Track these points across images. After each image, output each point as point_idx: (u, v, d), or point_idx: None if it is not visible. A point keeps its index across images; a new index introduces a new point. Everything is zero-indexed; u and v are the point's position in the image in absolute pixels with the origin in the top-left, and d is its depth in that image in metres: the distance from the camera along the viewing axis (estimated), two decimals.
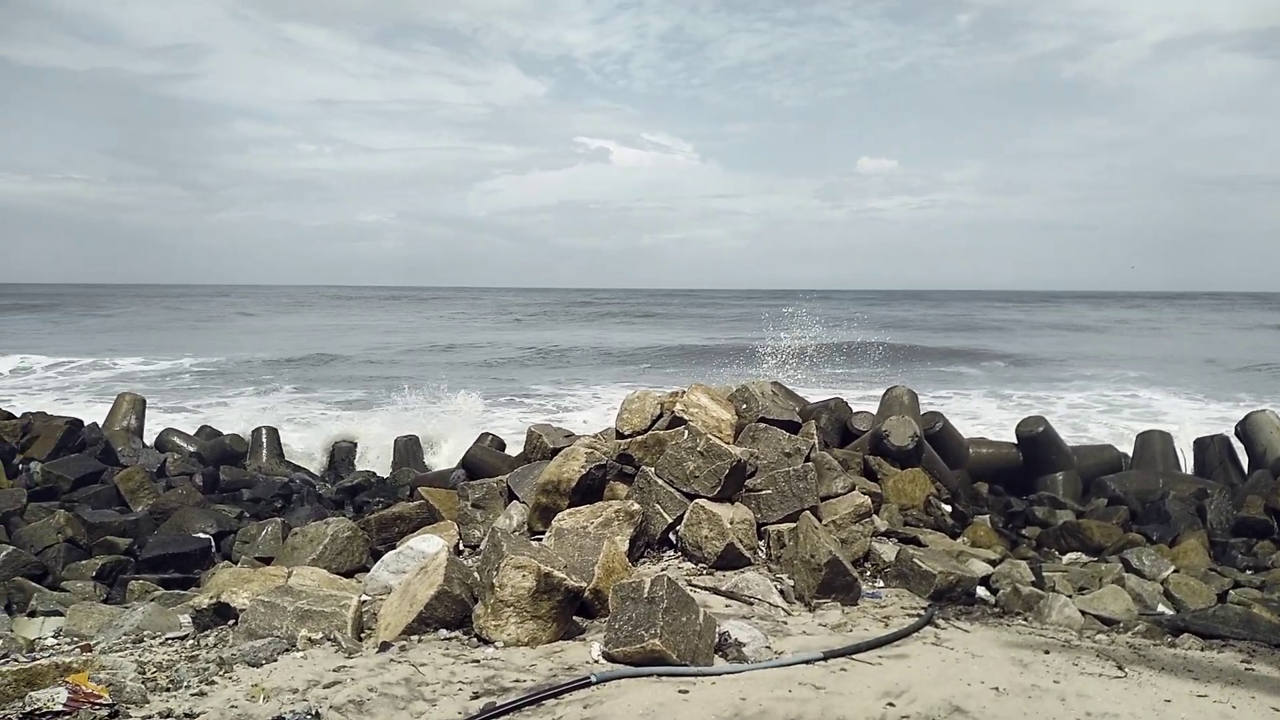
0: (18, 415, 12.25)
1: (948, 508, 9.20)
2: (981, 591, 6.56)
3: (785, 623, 5.45)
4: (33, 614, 7.36)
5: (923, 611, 5.65)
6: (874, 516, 7.35)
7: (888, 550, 6.88)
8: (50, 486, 10.15)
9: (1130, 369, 27.91)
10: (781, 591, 5.89)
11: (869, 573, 6.64)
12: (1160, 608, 6.56)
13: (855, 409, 10.92)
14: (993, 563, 7.32)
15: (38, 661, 4.47)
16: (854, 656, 4.81)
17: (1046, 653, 5.02)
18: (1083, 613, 6.08)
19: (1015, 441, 11.13)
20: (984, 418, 18.20)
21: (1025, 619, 5.94)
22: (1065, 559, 8.04)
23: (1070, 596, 6.42)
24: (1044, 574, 7.00)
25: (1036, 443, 10.92)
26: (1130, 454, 11.47)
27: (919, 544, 7.53)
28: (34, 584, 7.93)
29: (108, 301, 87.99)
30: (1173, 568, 7.42)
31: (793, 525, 6.43)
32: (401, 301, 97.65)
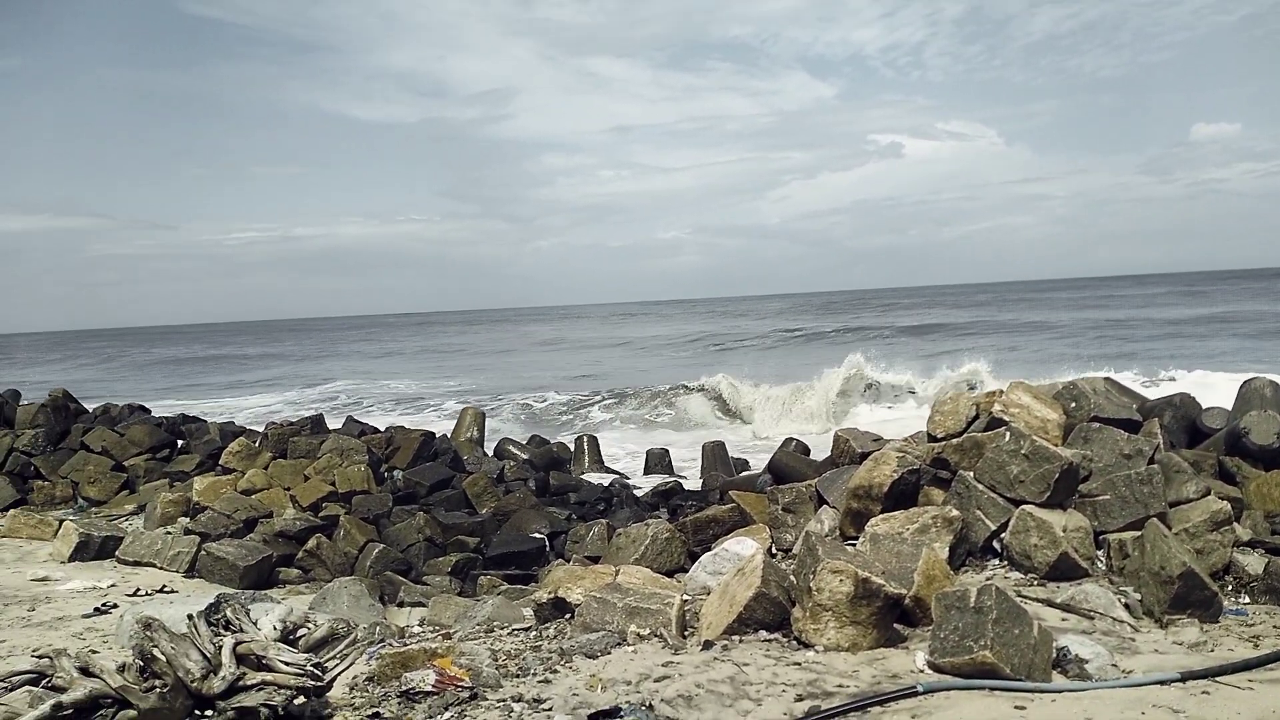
0: (381, 429, 13.95)
1: None
2: None
3: (1132, 639, 5.00)
4: (401, 604, 8.34)
5: None
6: (1234, 524, 6.55)
7: (1253, 562, 6.09)
8: (410, 491, 11.42)
9: None
10: (1126, 606, 5.40)
11: (1230, 587, 5.92)
12: None
13: (1205, 405, 9.77)
14: None
15: (409, 646, 5.08)
16: (1218, 679, 4.32)
17: None
18: None
19: None
20: None
21: None
22: None
23: None
24: None
25: None
26: None
27: None
28: (401, 577, 9.00)
29: (451, 328, 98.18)
30: None
31: (1136, 534, 5.88)
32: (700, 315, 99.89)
